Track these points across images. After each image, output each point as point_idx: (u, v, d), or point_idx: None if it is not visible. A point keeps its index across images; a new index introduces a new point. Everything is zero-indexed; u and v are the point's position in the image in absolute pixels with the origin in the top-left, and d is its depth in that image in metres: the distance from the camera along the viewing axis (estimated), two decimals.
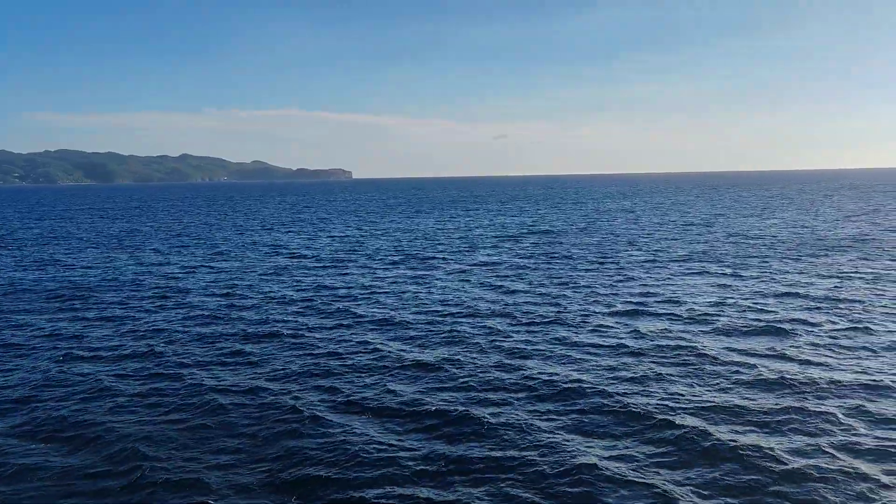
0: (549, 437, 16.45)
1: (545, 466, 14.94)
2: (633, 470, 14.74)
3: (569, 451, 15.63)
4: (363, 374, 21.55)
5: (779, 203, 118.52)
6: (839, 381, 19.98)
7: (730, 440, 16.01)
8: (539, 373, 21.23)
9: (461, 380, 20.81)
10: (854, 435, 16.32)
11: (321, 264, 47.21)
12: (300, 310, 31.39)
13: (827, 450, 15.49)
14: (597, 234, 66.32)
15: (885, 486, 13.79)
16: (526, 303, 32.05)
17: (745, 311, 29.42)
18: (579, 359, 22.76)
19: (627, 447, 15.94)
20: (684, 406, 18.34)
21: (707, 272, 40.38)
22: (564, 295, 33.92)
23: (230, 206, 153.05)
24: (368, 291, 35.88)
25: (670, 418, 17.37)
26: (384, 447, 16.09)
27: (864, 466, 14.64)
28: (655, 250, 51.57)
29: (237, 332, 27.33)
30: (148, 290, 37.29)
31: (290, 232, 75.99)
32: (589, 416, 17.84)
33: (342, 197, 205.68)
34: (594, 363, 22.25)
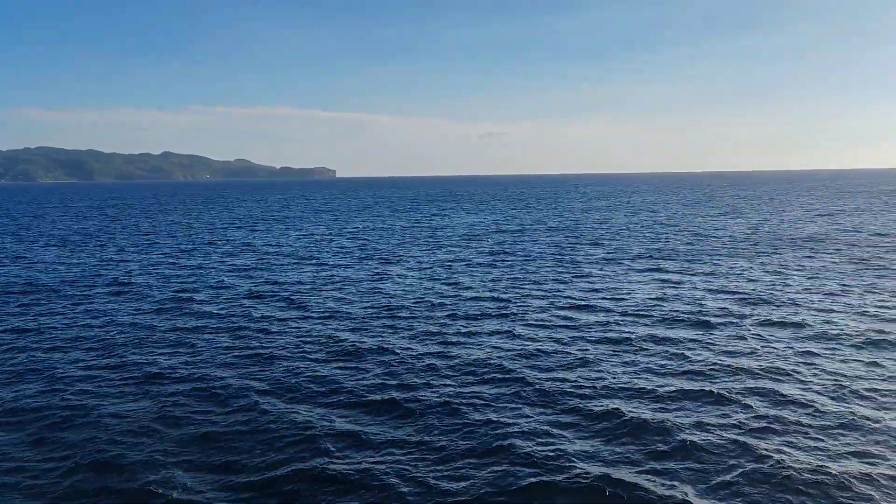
0: (467, 421, 17.39)
1: (463, 448, 15.86)
2: (541, 446, 15.66)
3: (485, 433, 16.60)
4: (299, 362, 22.41)
5: (751, 202, 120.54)
6: (750, 369, 21.10)
7: (637, 418, 17.04)
8: (467, 362, 22.20)
9: (392, 367, 21.73)
10: (751, 416, 17.37)
11: (281, 261, 47.98)
12: (252, 304, 32.20)
13: (719, 428, 16.56)
14: (561, 233, 67.56)
15: (763, 458, 14.84)
16: (472, 298, 33.05)
17: (682, 304, 30.56)
18: (509, 349, 23.76)
19: (539, 427, 16.89)
20: (601, 390, 19.36)
21: (657, 269, 41.62)
22: (513, 290, 34.96)
23: (206, 204, 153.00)
24: (322, 286, 36.74)
25: (585, 401, 18.40)
26: (307, 428, 16.96)
27: (752, 441, 15.69)
28: (615, 249, 52.76)
29: (187, 325, 28.10)
30: (104, 285, 37.92)
31: (258, 230, 76.59)
32: (505, 401, 18.81)
33: (320, 196, 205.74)
34: (523, 352, 23.25)
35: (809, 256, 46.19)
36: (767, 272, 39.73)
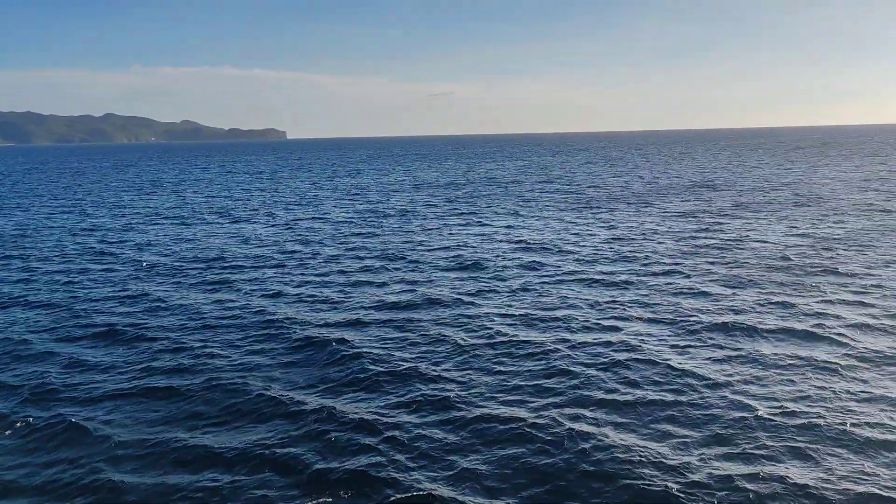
0: (237, 375, 20.00)
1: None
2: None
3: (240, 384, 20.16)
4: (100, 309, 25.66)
5: (649, 161, 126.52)
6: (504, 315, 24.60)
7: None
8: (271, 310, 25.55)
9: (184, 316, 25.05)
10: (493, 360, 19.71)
11: (132, 223, 50.81)
12: (97, 265, 35.22)
13: (441, 368, 20.36)
14: (433, 189, 71.85)
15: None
16: (294, 251, 36.55)
17: (473, 255, 34.33)
18: (306, 296, 26.74)
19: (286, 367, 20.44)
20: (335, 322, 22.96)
21: (486, 223, 45.68)
22: (329, 245, 38.61)
23: (125, 168, 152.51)
24: (153, 244, 39.91)
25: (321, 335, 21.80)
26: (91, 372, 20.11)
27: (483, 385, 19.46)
28: (470, 208, 55.77)
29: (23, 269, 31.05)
30: None
31: (149, 194, 78.88)
32: (270, 345, 22.35)
33: (244, 159, 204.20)
34: (307, 303, 26.61)
35: (636, 211, 50.92)
36: (598, 223, 43.96)
